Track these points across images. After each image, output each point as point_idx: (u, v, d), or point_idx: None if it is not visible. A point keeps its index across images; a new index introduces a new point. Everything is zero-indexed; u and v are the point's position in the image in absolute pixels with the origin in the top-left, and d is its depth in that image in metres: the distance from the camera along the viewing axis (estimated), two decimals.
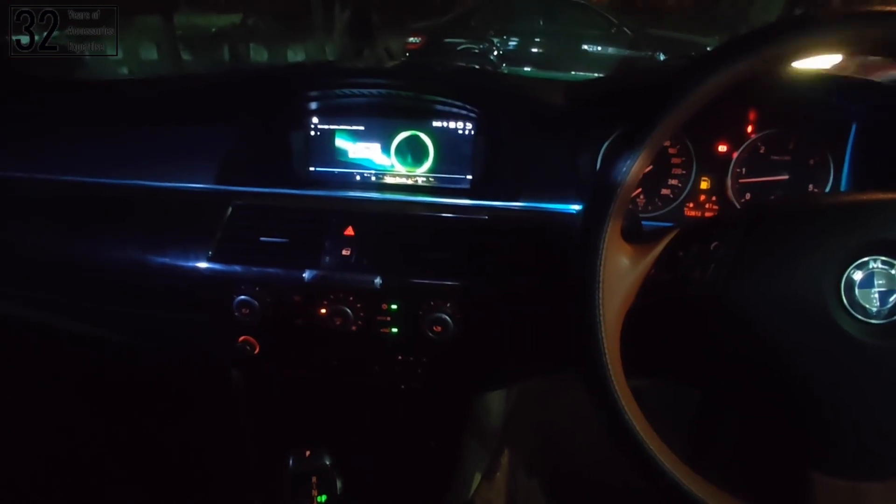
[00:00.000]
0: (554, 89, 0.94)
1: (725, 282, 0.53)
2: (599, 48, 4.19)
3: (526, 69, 3.90)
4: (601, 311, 0.55)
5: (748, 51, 0.51)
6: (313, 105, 0.95)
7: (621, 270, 0.58)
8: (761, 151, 0.88)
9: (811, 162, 0.87)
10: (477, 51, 3.99)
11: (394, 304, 0.83)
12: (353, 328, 0.83)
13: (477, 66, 2.97)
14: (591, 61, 4.12)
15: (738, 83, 0.52)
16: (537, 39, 4.26)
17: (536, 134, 0.89)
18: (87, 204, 0.96)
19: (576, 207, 0.85)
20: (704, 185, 0.89)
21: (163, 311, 0.94)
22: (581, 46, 4.21)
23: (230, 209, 0.89)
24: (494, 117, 0.90)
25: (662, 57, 4.03)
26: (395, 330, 0.84)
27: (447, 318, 0.80)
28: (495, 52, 3.83)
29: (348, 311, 0.82)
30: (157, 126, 1.00)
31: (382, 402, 1.00)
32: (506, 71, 3.43)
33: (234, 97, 1.00)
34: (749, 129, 0.87)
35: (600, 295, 0.56)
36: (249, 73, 1.30)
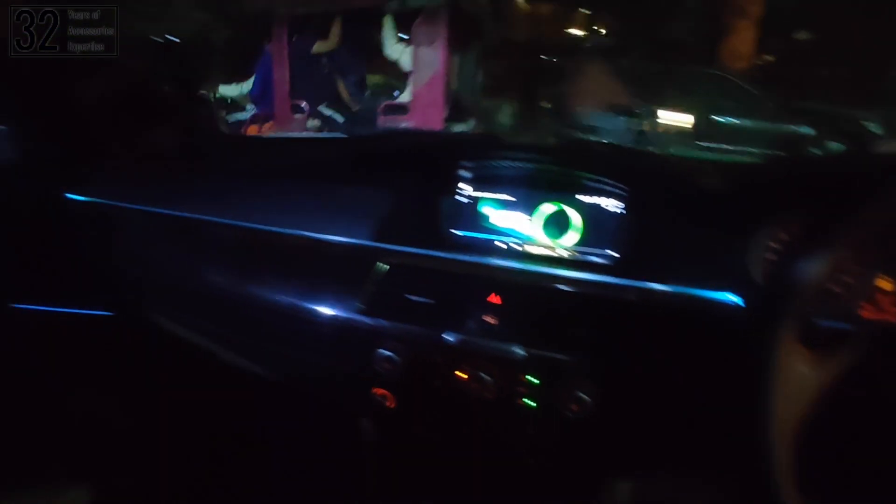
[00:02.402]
0: (708, 171, 0.92)
1: None
2: (737, 121, 4.04)
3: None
4: (775, 421, 0.51)
5: None
6: (466, 173, 0.99)
7: (798, 378, 0.54)
8: None
9: None
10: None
11: (534, 377, 0.82)
12: (490, 396, 0.84)
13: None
14: (729, 134, 3.97)
15: None
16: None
17: (688, 216, 0.87)
18: (256, 249, 1.07)
19: (731, 297, 0.80)
20: (885, 285, 0.80)
21: (309, 355, 1.01)
22: (718, 119, 4.08)
23: (381, 266, 0.95)
24: (645, 196, 0.89)
25: (807, 130, 3.79)
26: (532, 403, 0.83)
27: (587, 397, 0.78)
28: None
29: (487, 378, 0.82)
30: (321, 183, 1.10)
31: (507, 476, 0.98)
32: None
33: (393, 160, 1.08)
34: None
35: (774, 403, 0.52)
36: (408, 139, 1.39)
